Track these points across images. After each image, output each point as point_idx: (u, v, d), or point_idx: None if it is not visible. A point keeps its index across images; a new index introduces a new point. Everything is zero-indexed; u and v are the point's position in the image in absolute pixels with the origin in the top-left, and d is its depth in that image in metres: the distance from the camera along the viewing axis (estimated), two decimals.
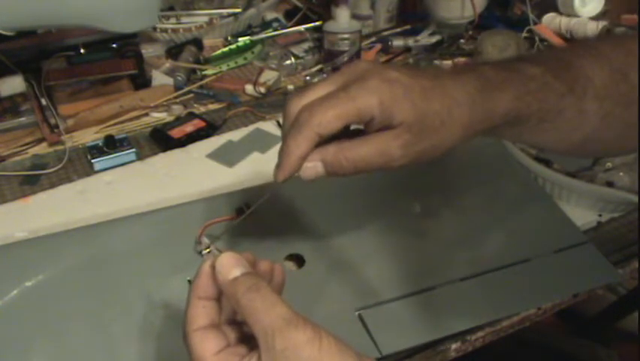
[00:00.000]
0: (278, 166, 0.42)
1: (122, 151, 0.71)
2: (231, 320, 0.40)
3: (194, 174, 0.69)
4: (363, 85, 0.40)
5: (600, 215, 0.64)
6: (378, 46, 0.97)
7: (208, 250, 0.53)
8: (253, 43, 0.96)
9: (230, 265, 0.38)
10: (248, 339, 0.39)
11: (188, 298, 0.39)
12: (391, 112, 0.39)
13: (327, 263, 0.56)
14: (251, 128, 0.77)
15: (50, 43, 0.89)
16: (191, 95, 0.85)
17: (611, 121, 0.45)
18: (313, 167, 0.42)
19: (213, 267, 0.38)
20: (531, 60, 0.45)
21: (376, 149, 0.40)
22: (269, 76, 0.87)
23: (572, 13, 1.01)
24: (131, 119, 0.80)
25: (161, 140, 0.75)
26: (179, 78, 0.86)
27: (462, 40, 0.98)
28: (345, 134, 0.42)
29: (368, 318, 0.51)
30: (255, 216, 0.55)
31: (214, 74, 0.89)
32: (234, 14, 0.99)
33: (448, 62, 0.93)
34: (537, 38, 0.99)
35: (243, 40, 0.97)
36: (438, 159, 0.43)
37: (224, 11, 0.99)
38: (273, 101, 0.83)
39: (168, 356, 0.48)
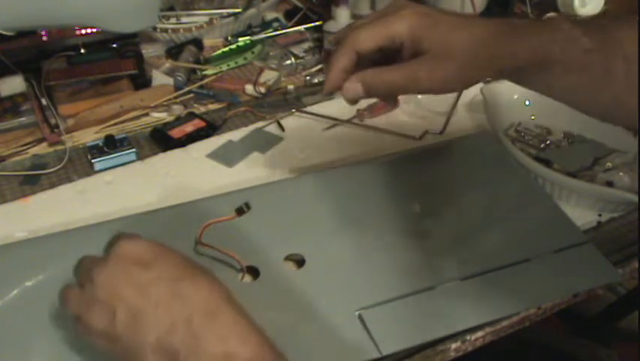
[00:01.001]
0: (324, 81, 0.51)
1: (122, 151, 0.71)
2: None
3: (194, 174, 0.69)
4: (398, 14, 0.47)
5: (600, 215, 0.64)
6: None
7: None
8: (253, 43, 0.96)
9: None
10: None
11: None
12: (420, 40, 0.46)
13: (327, 263, 0.56)
14: (251, 128, 0.77)
15: (50, 43, 0.89)
16: (191, 95, 0.85)
17: (637, 85, 0.46)
18: (353, 87, 0.49)
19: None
20: (563, 17, 0.47)
21: (406, 73, 0.47)
22: (269, 76, 0.87)
23: (571, 13, 1.01)
24: (131, 119, 0.79)
25: (161, 140, 0.75)
26: (179, 78, 0.86)
27: None
28: (382, 63, 0.48)
29: (368, 318, 0.51)
30: (255, 216, 0.55)
31: (214, 74, 0.89)
32: (234, 14, 0.99)
33: None
34: None
35: (243, 40, 0.97)
36: (463, 89, 0.50)
37: (224, 11, 0.99)
38: (273, 101, 0.83)
39: None
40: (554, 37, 0.45)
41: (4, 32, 0.67)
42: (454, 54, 0.45)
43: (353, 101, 0.51)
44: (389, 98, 0.55)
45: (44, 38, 0.88)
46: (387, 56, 0.49)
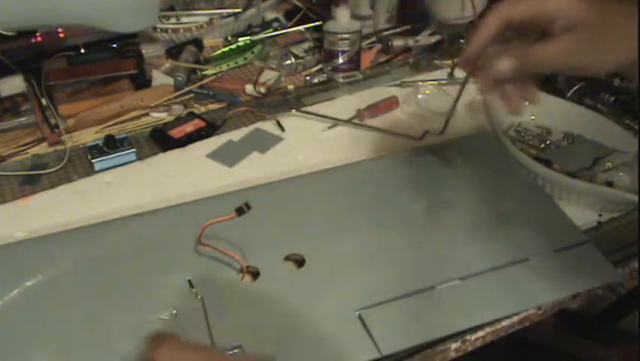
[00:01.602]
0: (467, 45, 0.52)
1: (122, 151, 0.71)
2: None
3: (194, 174, 0.69)
4: None
5: (600, 215, 0.64)
6: (379, 46, 0.97)
7: None
8: (253, 43, 0.96)
9: None
10: None
11: None
12: (570, 19, 0.47)
13: (327, 263, 0.56)
14: (251, 128, 0.77)
15: (50, 44, 0.89)
16: (191, 95, 0.85)
17: None
18: (504, 61, 0.49)
19: None
20: None
21: (554, 48, 0.47)
22: (269, 76, 0.87)
23: None
24: (131, 119, 0.80)
25: (161, 140, 0.75)
26: (180, 78, 0.86)
27: (462, 40, 0.98)
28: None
29: (368, 318, 0.51)
30: (255, 216, 0.55)
31: (214, 74, 0.89)
32: (234, 14, 0.99)
33: (448, 62, 0.93)
34: None
35: (243, 40, 0.97)
36: (607, 70, 0.52)
37: (224, 11, 0.99)
38: (273, 101, 0.83)
39: None
40: None
41: (4, 32, 0.67)
42: (598, 35, 0.46)
43: (502, 77, 0.50)
44: (526, 83, 0.52)
45: (44, 38, 0.88)
46: (526, 34, 0.50)
